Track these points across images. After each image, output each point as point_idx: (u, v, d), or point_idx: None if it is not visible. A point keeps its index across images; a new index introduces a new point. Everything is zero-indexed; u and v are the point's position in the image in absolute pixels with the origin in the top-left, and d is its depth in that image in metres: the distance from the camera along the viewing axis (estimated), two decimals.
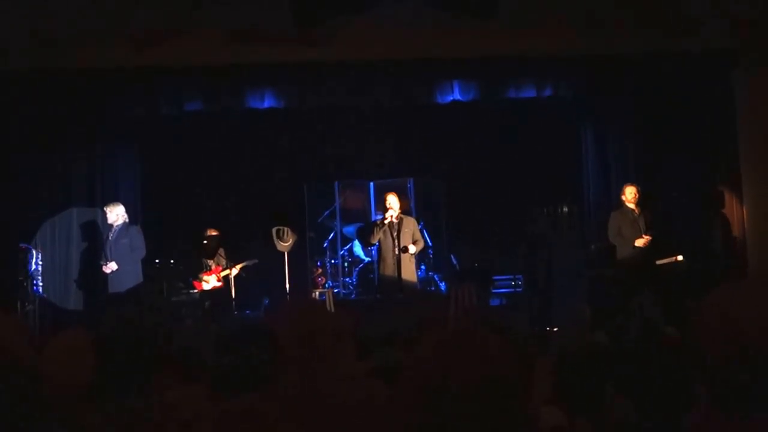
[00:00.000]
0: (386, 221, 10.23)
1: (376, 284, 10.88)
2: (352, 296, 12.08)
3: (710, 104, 11.08)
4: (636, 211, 10.41)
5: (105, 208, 10.72)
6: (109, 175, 11.92)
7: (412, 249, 10.26)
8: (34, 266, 10.93)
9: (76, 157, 11.61)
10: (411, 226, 10.41)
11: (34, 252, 11.00)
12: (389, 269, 10.22)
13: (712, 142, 11.22)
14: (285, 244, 11.48)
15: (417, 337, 3.57)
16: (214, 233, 11.49)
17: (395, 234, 10.20)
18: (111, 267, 10.50)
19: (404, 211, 10.69)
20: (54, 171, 11.45)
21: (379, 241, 10.41)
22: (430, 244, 12.12)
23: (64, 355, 3.06)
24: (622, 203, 10.58)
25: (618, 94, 11.49)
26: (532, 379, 2.80)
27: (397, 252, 10.15)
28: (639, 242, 10.30)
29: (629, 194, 10.48)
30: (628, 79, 11.06)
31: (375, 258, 11.29)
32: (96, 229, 11.28)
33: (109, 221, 10.63)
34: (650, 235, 10.29)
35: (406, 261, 10.19)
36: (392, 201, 10.31)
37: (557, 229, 12.66)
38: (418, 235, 10.45)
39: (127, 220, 10.74)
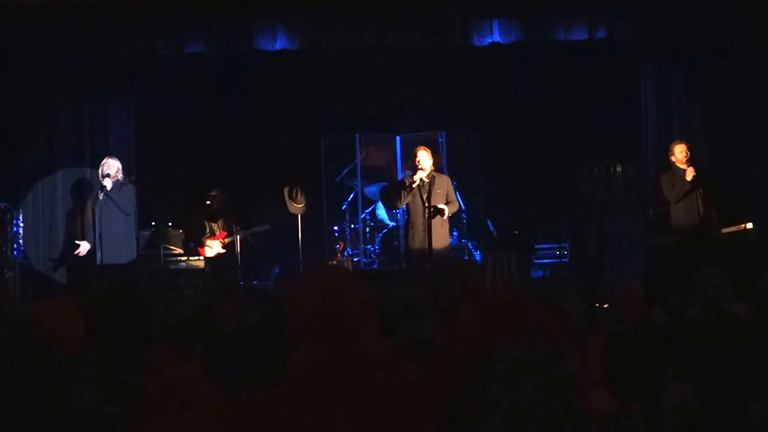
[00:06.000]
0: (416, 182, 10.16)
1: (403, 252, 10.85)
2: (374, 265, 12.10)
3: None
4: (686, 171, 10.29)
5: (109, 160, 10.50)
6: (99, 125, 11.94)
7: (446, 210, 10.13)
8: (14, 228, 10.98)
9: (62, 104, 11.63)
10: (444, 186, 10.31)
11: (15, 212, 11.05)
12: (419, 236, 10.13)
13: None
14: (298, 206, 11.49)
15: (450, 311, 3.57)
16: (218, 193, 11.51)
17: (426, 196, 10.10)
18: (84, 247, 10.64)
19: (436, 169, 10.61)
20: (37, 119, 11.47)
21: (407, 205, 10.36)
22: (464, 207, 12.09)
23: (48, 328, 3.08)
24: (671, 164, 10.50)
25: (682, 36, 11.33)
26: (584, 359, 2.79)
27: (427, 216, 10.04)
28: (689, 173, 10.19)
29: (678, 153, 10.42)
30: (695, 18, 10.88)
31: (402, 223, 11.27)
32: (85, 188, 11.28)
33: (112, 176, 10.45)
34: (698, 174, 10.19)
35: (437, 226, 10.10)
36: (424, 157, 10.21)
37: (610, 190, 12.60)
38: (452, 196, 10.39)
39: (121, 178, 10.64)
